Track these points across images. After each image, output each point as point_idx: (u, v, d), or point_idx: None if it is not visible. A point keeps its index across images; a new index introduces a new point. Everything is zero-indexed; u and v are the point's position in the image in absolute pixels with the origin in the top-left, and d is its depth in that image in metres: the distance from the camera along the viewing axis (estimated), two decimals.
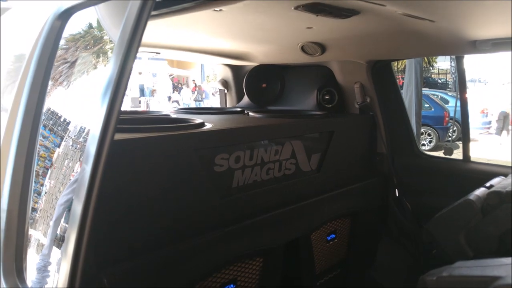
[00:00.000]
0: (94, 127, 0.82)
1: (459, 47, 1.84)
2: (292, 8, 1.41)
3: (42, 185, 1.33)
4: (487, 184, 1.88)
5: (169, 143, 1.41)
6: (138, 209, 1.32)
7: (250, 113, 2.26)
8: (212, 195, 1.59)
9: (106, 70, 0.87)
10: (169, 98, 18.43)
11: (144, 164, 1.33)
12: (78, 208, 0.81)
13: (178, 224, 1.47)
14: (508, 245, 1.64)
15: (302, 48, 2.16)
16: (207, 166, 1.57)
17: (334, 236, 2.24)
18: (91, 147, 0.81)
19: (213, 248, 1.54)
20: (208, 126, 1.66)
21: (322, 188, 2.09)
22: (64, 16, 1.12)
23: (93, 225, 0.80)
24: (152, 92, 17.63)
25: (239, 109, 2.50)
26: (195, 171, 1.51)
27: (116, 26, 1.13)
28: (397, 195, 2.49)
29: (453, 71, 16.51)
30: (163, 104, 16.64)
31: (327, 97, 2.54)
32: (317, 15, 1.48)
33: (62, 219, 1.16)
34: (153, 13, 0.84)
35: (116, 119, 0.81)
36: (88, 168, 0.80)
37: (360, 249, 2.39)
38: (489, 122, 11.33)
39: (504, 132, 10.28)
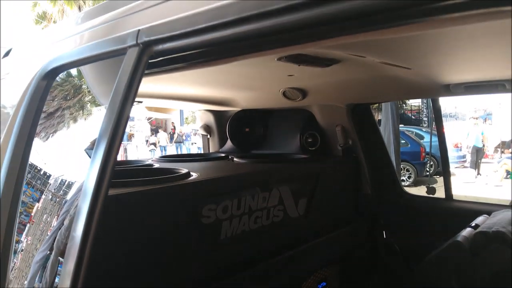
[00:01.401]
0: (87, 181, 0.80)
1: (434, 90, 1.93)
2: (275, 59, 1.45)
3: (17, 242, 1.26)
4: (473, 224, 1.90)
5: (156, 197, 1.37)
6: (124, 267, 1.26)
7: (235, 159, 2.26)
8: (199, 248, 1.54)
9: (96, 124, 0.86)
10: (147, 141, 18.30)
11: (130, 220, 1.29)
12: (69, 267, 0.77)
13: (166, 280, 1.41)
14: (499, 286, 1.64)
15: (284, 94, 2.21)
16: (194, 218, 1.52)
17: (325, 283, 2.19)
18: (83, 203, 0.79)
19: None
20: (194, 176, 1.63)
21: (310, 233, 2.06)
22: (50, 75, 1.12)
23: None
24: (129, 137, 17.50)
25: (223, 155, 2.49)
26: (182, 225, 1.47)
27: (101, 83, 1.14)
28: (384, 236, 2.49)
29: (425, 107, 17.19)
30: (141, 148, 16.49)
31: (310, 140, 2.57)
32: (299, 65, 1.53)
33: (37, 278, 1.10)
34: (145, 71, 0.85)
35: (111, 174, 0.79)
36: (81, 226, 0.77)
37: None
38: (464, 156, 11.72)
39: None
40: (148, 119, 19.29)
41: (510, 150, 10.28)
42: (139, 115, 18.12)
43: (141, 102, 2.36)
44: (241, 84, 2.05)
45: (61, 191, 1.39)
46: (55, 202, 1.38)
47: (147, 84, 1.86)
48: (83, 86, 1.38)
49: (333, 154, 2.56)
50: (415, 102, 20.15)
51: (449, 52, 1.26)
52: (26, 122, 1.10)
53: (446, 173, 2.45)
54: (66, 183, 1.38)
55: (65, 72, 1.36)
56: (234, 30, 0.71)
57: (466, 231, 1.79)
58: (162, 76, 1.62)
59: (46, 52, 1.19)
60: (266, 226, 1.85)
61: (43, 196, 1.41)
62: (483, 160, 11.16)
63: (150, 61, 0.84)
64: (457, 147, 11.57)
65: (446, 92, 1.89)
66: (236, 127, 2.79)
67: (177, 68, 0.89)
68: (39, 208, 1.39)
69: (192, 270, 1.51)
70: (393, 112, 5.84)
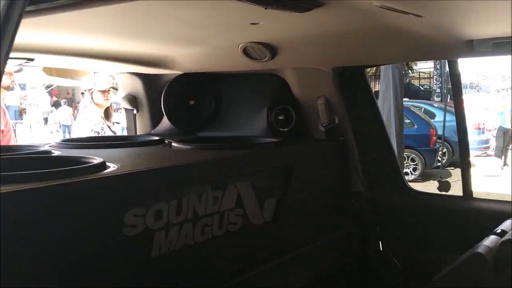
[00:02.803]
0: None
1: (453, 48, 1.98)
2: None
3: None
4: (498, 230, 1.98)
5: (54, 197, 1.33)
6: None
7: (174, 144, 2.24)
8: (121, 270, 1.52)
9: None
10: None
11: (19, 229, 1.24)
12: None
13: None
14: None
15: (244, 51, 2.19)
16: (112, 228, 1.51)
17: None
18: None
19: None
20: (111, 167, 1.60)
21: (280, 246, 2.09)
22: None
23: None
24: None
25: (156, 138, 2.47)
26: (95, 236, 1.44)
27: None
28: (380, 248, 2.56)
29: (438, 75, 17.80)
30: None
31: (281, 118, 2.58)
32: (265, 8, 1.51)
33: None
34: (29, 8, 0.79)
35: None
36: None
37: None
38: (487, 141, 12.25)
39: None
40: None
41: None
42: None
43: (32, 60, 2.26)
44: (182, 34, 2.01)
45: None
46: None
47: (34, 31, 1.76)
48: None
49: (313, 137, 2.58)
50: (424, 68, 20.75)
51: None
52: None
53: (464, 164, 2.53)
54: None
55: None
56: None
57: (490, 240, 1.87)
58: (58, 18, 1.54)
59: None
60: (218, 237, 1.86)
61: None
62: None
63: None
64: (479, 128, 12.04)
65: (469, 51, 1.94)
66: (176, 98, 2.75)
67: (74, 5, 0.83)
68: None
69: None
70: (395, 81, 5.98)
